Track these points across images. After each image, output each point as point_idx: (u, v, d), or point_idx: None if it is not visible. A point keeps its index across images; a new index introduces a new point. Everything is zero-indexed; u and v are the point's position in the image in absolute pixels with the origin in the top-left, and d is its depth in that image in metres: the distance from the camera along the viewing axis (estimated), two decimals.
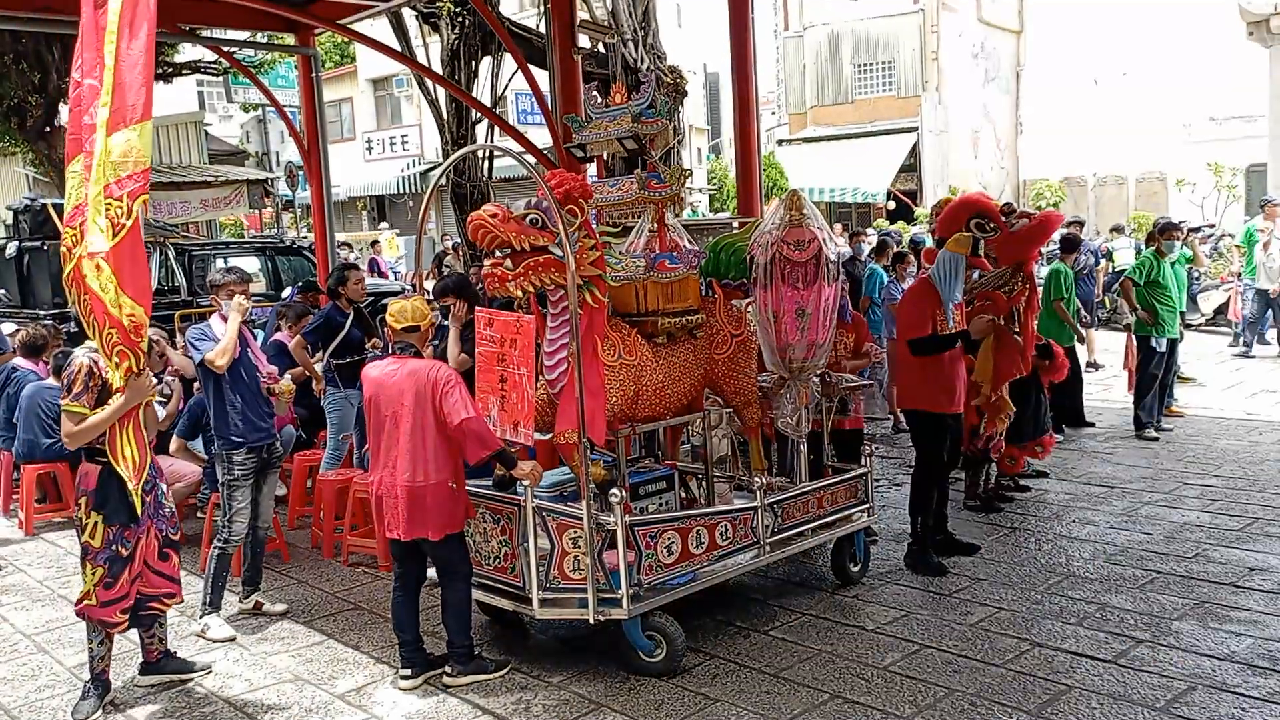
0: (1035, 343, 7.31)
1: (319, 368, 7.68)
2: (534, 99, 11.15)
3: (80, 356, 4.50)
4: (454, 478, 4.64)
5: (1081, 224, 14.07)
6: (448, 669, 4.79)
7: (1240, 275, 13.73)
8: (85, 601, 4.57)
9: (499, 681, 4.77)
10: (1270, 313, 13.16)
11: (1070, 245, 10.26)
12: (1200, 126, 26.13)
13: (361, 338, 7.50)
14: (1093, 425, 9.60)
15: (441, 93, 13.49)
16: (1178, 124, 26.00)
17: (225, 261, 12.38)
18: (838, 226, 20.56)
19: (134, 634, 4.90)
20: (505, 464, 4.68)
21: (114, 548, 4.53)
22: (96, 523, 4.50)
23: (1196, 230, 13.41)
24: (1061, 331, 8.88)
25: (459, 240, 14.87)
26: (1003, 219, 6.69)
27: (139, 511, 4.49)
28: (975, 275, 6.63)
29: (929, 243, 8.56)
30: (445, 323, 6.28)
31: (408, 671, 4.79)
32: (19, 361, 8.40)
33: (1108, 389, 11.00)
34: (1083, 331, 9.84)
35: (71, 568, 6.84)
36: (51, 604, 6.16)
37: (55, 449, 7.79)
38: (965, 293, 6.29)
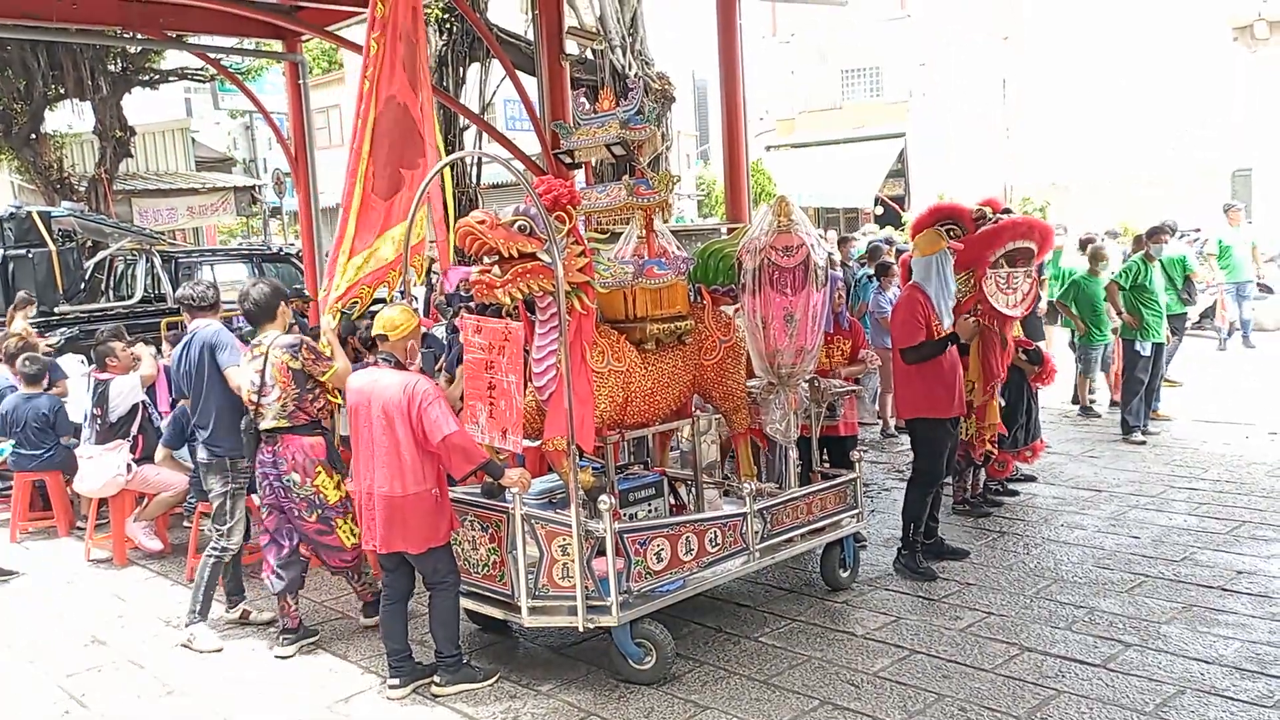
0: (1025, 348, 7.34)
1: None
2: (522, 105, 11.15)
3: (296, 338, 5.28)
4: (436, 487, 4.62)
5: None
6: (436, 678, 4.76)
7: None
8: (356, 549, 5.32)
9: (487, 690, 4.75)
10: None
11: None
12: (1187, 131, 26.27)
13: None
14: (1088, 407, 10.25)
15: None
16: (1164, 129, 26.13)
17: (213, 270, 12.36)
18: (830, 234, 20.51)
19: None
20: (492, 475, 4.66)
21: (350, 499, 5.26)
22: (339, 481, 5.33)
23: (1182, 236, 13.38)
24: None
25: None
26: (973, 223, 6.71)
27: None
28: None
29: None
30: (431, 331, 6.26)
31: (396, 681, 4.76)
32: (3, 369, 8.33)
33: (1093, 393, 11.00)
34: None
35: (62, 579, 6.80)
36: (43, 614, 6.10)
37: (46, 459, 7.70)
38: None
